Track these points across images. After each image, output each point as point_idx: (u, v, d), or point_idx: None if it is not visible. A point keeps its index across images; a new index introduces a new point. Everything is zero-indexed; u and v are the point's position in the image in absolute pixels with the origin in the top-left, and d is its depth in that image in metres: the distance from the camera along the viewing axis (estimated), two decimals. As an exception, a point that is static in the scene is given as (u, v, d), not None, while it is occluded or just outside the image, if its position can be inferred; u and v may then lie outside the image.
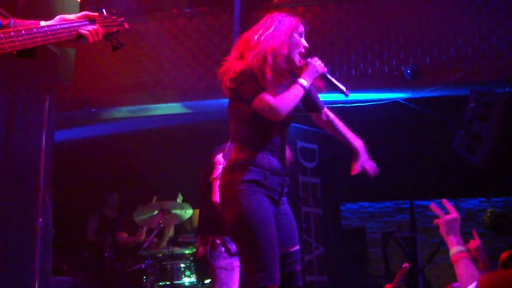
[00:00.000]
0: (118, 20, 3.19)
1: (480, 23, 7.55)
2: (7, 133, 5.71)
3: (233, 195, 3.30)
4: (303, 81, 3.42)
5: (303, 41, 3.54)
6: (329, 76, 3.58)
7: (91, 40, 3.02)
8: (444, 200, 2.98)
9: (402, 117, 8.97)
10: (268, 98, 3.29)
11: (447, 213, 2.88)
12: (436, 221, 2.88)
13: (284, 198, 3.50)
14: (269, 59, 3.36)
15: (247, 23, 7.41)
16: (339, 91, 3.55)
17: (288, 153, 3.65)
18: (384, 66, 7.77)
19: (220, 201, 3.43)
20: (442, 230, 2.80)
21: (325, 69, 3.55)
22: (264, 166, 3.34)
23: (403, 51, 7.73)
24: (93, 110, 8.55)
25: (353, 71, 7.84)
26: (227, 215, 3.36)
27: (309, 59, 3.52)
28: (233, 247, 4.99)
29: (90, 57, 8.40)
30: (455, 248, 2.70)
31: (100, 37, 3.06)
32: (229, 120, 3.51)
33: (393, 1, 7.96)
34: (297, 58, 3.51)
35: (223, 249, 4.97)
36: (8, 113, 5.74)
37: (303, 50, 3.54)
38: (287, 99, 3.34)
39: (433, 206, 2.90)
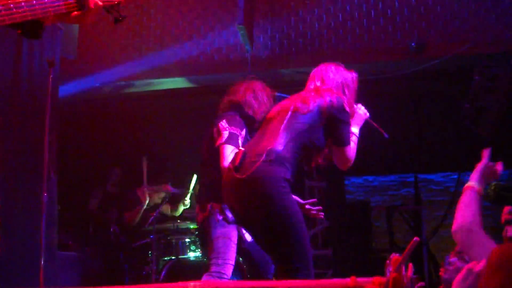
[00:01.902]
0: None
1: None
2: (11, 108, 5.70)
3: (274, 191, 3.31)
4: (356, 131, 3.77)
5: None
6: (371, 122, 3.94)
7: (91, 4, 2.88)
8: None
9: (406, 90, 8.94)
10: (351, 151, 3.71)
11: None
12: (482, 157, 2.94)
13: None
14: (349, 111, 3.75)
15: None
16: (379, 133, 3.94)
17: None
18: (388, 39, 7.72)
19: (251, 189, 3.42)
20: (478, 166, 2.88)
21: (368, 115, 3.89)
22: (295, 171, 3.48)
23: (408, 24, 7.67)
24: (98, 84, 8.53)
25: (358, 44, 7.80)
26: (263, 208, 3.35)
27: (355, 107, 3.86)
28: (230, 216, 4.90)
29: (93, 31, 8.35)
30: (470, 182, 2.79)
31: (100, 3, 2.93)
32: (276, 118, 3.65)
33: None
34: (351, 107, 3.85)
35: (220, 217, 4.88)
36: (11, 87, 5.72)
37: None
38: (354, 153, 3.73)
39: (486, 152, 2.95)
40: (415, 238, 3.31)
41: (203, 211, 5.00)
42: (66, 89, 7.86)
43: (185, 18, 8.34)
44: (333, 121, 3.57)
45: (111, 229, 7.54)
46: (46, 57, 5.25)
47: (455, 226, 2.65)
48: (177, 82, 8.59)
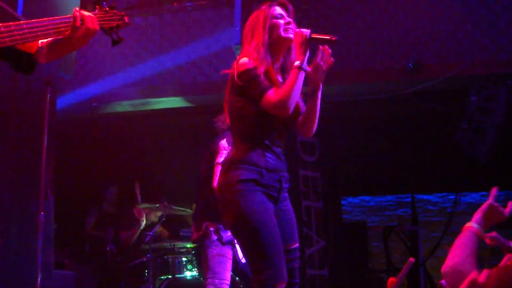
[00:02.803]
0: (119, 14, 3.16)
1: (481, 16, 7.52)
2: (8, 127, 5.71)
3: (231, 196, 3.30)
4: (297, 62, 3.30)
5: (282, 21, 3.43)
6: (314, 36, 3.34)
7: (90, 25, 2.89)
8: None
9: (403, 110, 8.96)
10: (271, 96, 3.28)
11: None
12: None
13: (285, 194, 3.49)
14: (261, 54, 3.35)
15: (249, 16, 7.39)
16: (328, 42, 3.33)
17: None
18: (385, 60, 7.75)
19: (219, 201, 3.42)
20: (482, 207, 2.62)
21: (308, 32, 3.33)
22: (259, 164, 3.32)
23: (404, 44, 7.71)
24: (95, 104, 8.55)
25: (354, 65, 7.82)
26: (228, 216, 3.37)
27: (290, 32, 3.41)
28: (225, 236, 4.99)
29: (91, 52, 8.38)
30: (471, 222, 2.57)
31: (96, 26, 2.94)
32: (228, 116, 3.53)
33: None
34: (284, 34, 3.41)
35: (215, 237, 4.96)
36: (9, 106, 5.73)
37: (286, 26, 3.43)
38: (288, 90, 3.27)
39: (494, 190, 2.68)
40: (410, 259, 3.27)
41: (198, 231, 5.06)
42: (63, 108, 7.87)
43: (182, 39, 8.38)
44: (241, 90, 3.36)
45: (108, 248, 7.52)
46: (43, 76, 5.25)
47: (445, 267, 2.46)
48: (174, 102, 8.61)
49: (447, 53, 7.57)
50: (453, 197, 9.23)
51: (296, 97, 3.30)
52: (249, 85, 3.32)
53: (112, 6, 3.13)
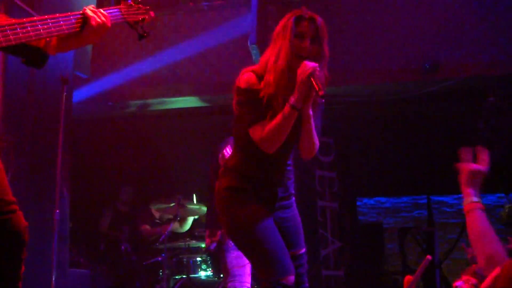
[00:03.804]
0: (144, 8, 3.14)
1: (498, 15, 7.46)
2: (24, 125, 5.73)
3: (220, 202, 3.29)
4: (293, 99, 3.07)
5: (303, 41, 3.16)
6: (313, 81, 3.02)
7: (94, 23, 2.81)
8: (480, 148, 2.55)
9: (419, 111, 8.91)
10: (256, 130, 3.12)
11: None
12: (459, 164, 2.52)
13: (286, 202, 3.40)
14: (275, 74, 3.13)
15: (264, 16, 7.38)
16: (316, 92, 3.04)
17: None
18: (401, 60, 7.71)
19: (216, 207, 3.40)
20: (462, 178, 2.48)
21: (312, 67, 3.04)
22: (249, 175, 3.25)
23: (421, 44, 7.66)
24: (110, 103, 8.57)
25: (371, 65, 7.78)
26: (222, 221, 3.36)
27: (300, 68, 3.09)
28: None
29: (107, 51, 8.40)
30: (468, 199, 2.44)
31: (107, 21, 2.86)
32: (233, 119, 3.38)
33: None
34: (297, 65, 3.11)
35: (231, 242, 4.96)
36: (25, 104, 5.75)
37: (302, 54, 3.15)
38: (273, 129, 3.09)
39: (463, 151, 2.53)
40: (427, 257, 3.22)
41: (213, 236, 5.09)
42: (79, 107, 7.89)
43: (198, 37, 8.37)
44: (237, 103, 3.24)
45: (122, 247, 7.54)
46: (60, 74, 5.26)
47: (482, 262, 2.28)
48: (190, 101, 8.61)
49: (464, 53, 7.51)
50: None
51: (282, 137, 3.12)
52: (242, 108, 3.21)
53: (136, 1, 3.11)
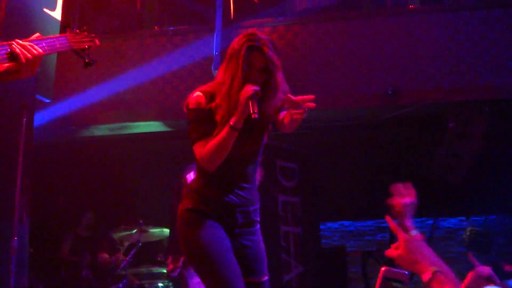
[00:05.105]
0: (90, 36, 3.13)
1: (458, 43, 7.60)
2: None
3: (179, 224, 3.30)
4: (233, 120, 3.13)
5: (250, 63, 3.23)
6: (249, 102, 3.10)
7: (23, 59, 2.72)
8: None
9: (382, 136, 8.99)
10: (198, 148, 3.20)
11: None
12: (391, 200, 2.54)
13: (250, 229, 3.39)
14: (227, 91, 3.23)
15: (228, 41, 7.41)
16: (249, 115, 3.10)
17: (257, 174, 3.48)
18: (364, 85, 7.78)
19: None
20: (398, 212, 2.47)
21: (252, 91, 3.12)
22: (208, 197, 3.27)
23: (384, 70, 7.76)
24: (73, 128, 8.49)
25: (335, 90, 7.84)
26: (180, 243, 3.34)
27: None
28: None
29: (70, 74, 8.35)
30: (413, 231, 2.38)
31: (37, 54, 2.77)
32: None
33: (374, 22, 8.00)
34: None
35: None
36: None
37: (252, 81, 3.20)
38: (212, 148, 3.15)
39: (393, 187, 2.59)
40: (382, 267, 3.19)
41: (175, 263, 5.07)
42: (41, 131, 7.81)
43: (162, 61, 8.36)
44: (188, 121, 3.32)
45: (83, 274, 7.43)
46: (20, 99, 5.21)
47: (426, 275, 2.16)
48: (154, 126, 8.58)
49: (425, 79, 7.62)
50: (431, 222, 9.25)
51: (221, 155, 3.17)
52: (188, 125, 3.28)
53: (82, 29, 3.11)
